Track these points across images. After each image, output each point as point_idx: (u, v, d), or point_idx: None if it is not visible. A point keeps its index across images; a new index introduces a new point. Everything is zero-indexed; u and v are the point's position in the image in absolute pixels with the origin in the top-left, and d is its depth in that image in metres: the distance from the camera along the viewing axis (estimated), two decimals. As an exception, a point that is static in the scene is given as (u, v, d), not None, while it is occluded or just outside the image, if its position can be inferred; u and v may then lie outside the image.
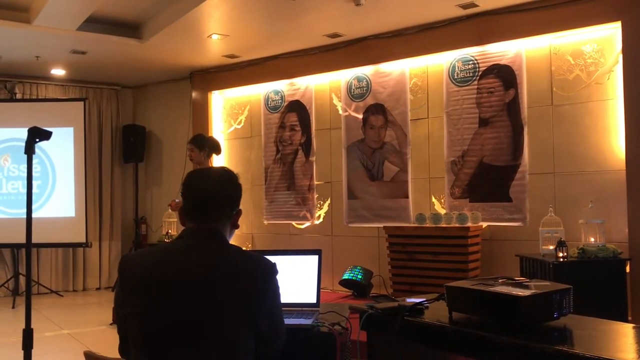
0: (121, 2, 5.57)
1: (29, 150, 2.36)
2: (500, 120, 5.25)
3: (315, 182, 6.57)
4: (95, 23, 5.92)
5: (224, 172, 1.87)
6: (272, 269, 1.74)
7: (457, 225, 5.14)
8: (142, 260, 1.76)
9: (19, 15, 5.66)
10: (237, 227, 1.88)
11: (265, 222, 6.94)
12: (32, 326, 2.43)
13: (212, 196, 1.80)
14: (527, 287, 1.95)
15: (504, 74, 5.25)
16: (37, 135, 2.36)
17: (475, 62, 5.41)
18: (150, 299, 1.65)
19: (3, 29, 5.75)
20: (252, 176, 7.12)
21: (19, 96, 7.64)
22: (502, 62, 5.27)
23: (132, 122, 8.44)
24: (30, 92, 7.77)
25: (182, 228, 1.84)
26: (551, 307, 1.89)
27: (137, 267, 1.73)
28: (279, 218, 6.85)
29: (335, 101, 6.46)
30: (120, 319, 1.74)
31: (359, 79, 6.20)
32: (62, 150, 7.28)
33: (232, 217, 1.84)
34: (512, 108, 5.19)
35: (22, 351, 2.40)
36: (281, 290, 1.79)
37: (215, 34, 5.96)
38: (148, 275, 1.69)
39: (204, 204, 1.79)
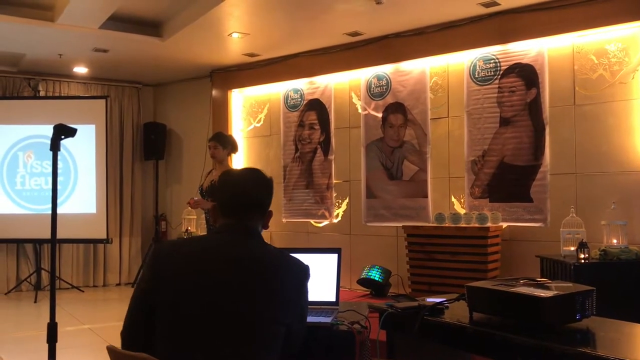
0: (143, 0, 5.62)
1: (55, 147, 2.39)
2: (522, 119, 5.20)
3: (334, 181, 6.56)
4: (117, 21, 5.99)
5: (261, 174, 1.96)
6: (307, 271, 1.80)
7: (476, 225, 5.10)
8: (180, 250, 1.79)
9: (42, 13, 5.74)
10: (266, 227, 1.94)
11: (284, 220, 6.95)
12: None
13: (253, 195, 1.88)
14: (549, 288, 1.94)
15: (526, 73, 5.20)
16: (63, 132, 2.40)
17: (497, 61, 5.36)
18: (187, 290, 1.66)
19: (27, 27, 5.84)
20: (271, 174, 6.97)
21: (42, 93, 7.76)
22: (523, 61, 5.21)
23: (152, 120, 8.52)
24: (53, 89, 7.88)
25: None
26: (573, 308, 1.88)
27: (175, 257, 1.75)
28: (297, 216, 6.86)
29: (355, 100, 6.45)
30: (141, 306, 1.73)
31: (379, 78, 6.18)
32: (83, 147, 7.37)
33: (265, 217, 1.90)
34: (534, 107, 5.14)
35: (47, 344, 2.44)
36: None
37: (236, 32, 5.99)
38: (186, 266, 1.71)
39: (245, 202, 1.85)
